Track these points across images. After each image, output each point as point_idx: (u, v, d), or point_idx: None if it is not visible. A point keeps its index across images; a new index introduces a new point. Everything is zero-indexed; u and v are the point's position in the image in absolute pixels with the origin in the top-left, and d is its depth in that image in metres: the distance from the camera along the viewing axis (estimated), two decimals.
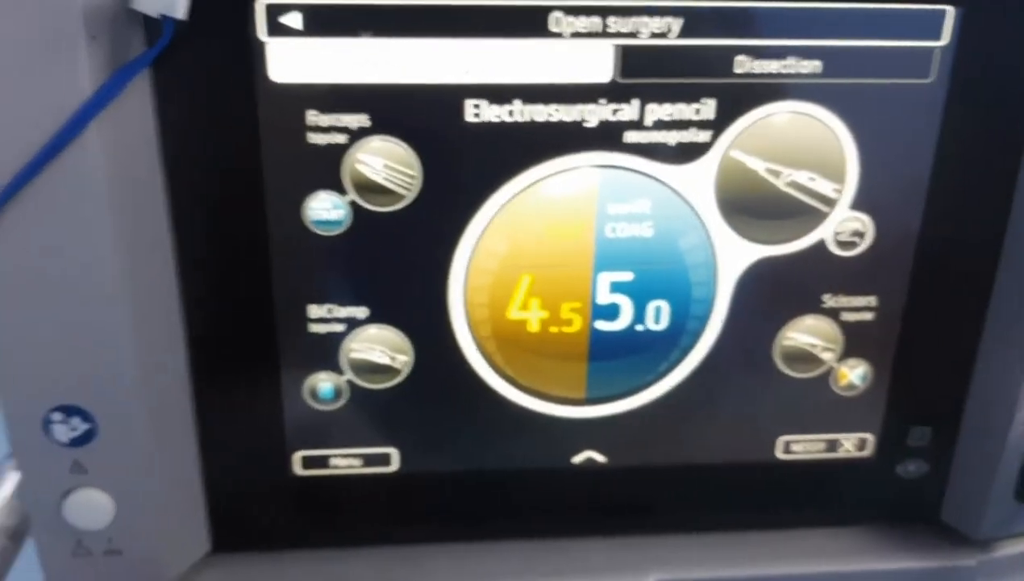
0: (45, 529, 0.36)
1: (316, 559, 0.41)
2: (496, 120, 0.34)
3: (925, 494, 0.43)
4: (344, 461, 0.40)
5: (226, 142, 0.33)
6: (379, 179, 0.34)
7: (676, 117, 0.35)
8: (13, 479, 0.42)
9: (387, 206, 0.35)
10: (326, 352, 0.37)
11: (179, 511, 0.38)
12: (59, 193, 0.30)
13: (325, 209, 0.35)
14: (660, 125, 0.35)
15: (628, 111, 0.35)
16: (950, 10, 0.34)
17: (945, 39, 0.35)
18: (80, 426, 0.34)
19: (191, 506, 0.39)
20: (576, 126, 0.35)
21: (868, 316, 0.39)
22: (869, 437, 0.42)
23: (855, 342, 0.40)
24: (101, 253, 0.31)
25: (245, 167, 0.34)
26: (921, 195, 0.37)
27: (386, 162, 0.34)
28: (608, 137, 0.35)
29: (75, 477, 0.35)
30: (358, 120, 0.33)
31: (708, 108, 0.35)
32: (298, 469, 0.39)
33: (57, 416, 0.34)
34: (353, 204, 0.35)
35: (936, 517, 0.43)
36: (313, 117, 0.33)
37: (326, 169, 0.34)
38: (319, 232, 0.35)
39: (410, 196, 0.35)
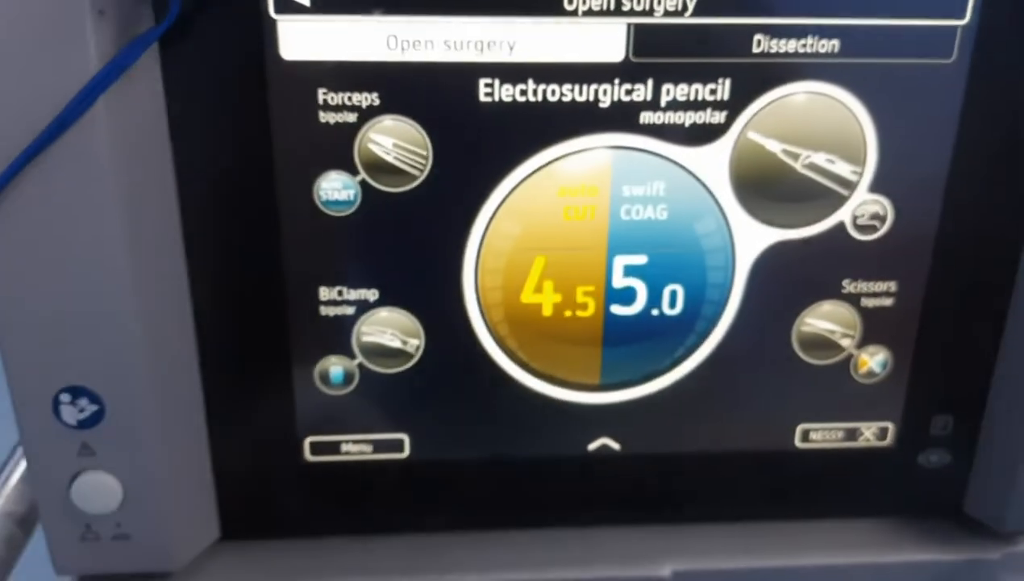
0: (53, 513, 0.36)
1: (327, 547, 0.41)
2: (509, 100, 0.34)
3: (947, 485, 0.42)
4: (355, 447, 0.39)
5: (236, 120, 0.33)
6: (390, 159, 0.34)
7: (691, 98, 0.34)
8: (22, 467, 0.42)
9: (398, 186, 0.35)
10: (337, 335, 0.37)
11: (188, 496, 0.38)
12: (65, 171, 0.30)
13: (336, 189, 0.34)
14: (675, 106, 0.34)
15: (642, 91, 0.34)
16: None
17: (968, 18, 0.34)
18: (88, 407, 0.34)
19: (200, 492, 0.38)
20: (590, 106, 0.34)
21: (888, 302, 0.38)
22: (890, 426, 0.41)
23: (875, 328, 0.39)
24: (108, 232, 0.31)
25: (255, 146, 0.33)
26: (942, 178, 0.37)
27: (396, 141, 0.34)
28: (622, 118, 0.34)
29: (83, 460, 0.35)
30: (368, 98, 0.33)
31: (724, 88, 0.34)
32: (309, 455, 0.39)
33: (65, 397, 0.33)
34: (364, 184, 0.34)
35: (959, 509, 0.43)
36: (324, 95, 0.33)
37: (337, 148, 0.34)
38: (330, 212, 0.35)
39: (421, 176, 0.34)
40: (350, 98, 0.33)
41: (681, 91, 0.34)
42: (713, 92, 0.34)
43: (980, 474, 0.42)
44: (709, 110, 0.35)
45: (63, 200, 0.31)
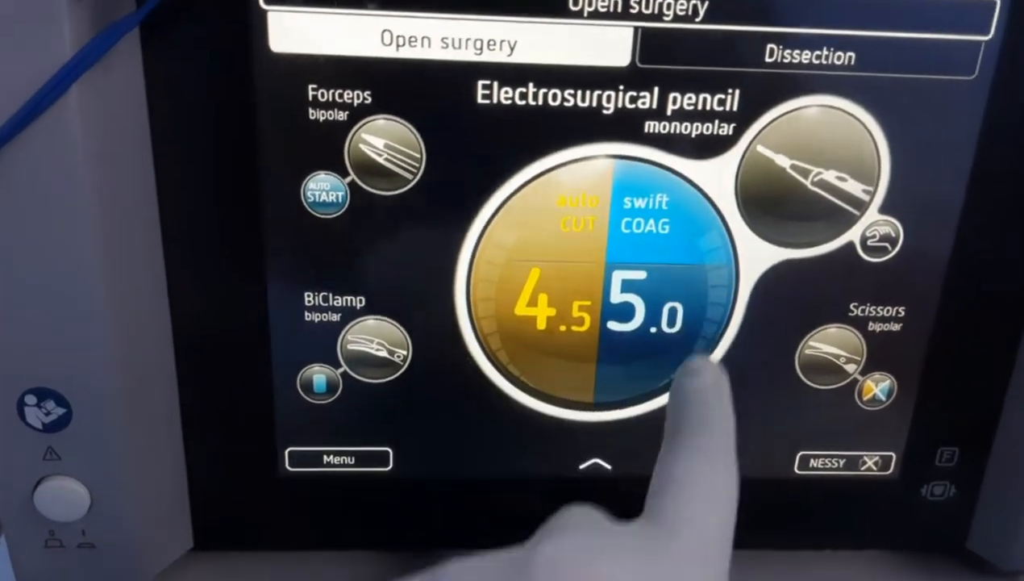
0: (16, 519, 0.34)
1: (304, 561, 0.39)
2: (507, 103, 0.32)
3: (951, 519, 0.40)
4: (337, 459, 0.38)
5: (220, 115, 0.31)
6: (381, 160, 0.32)
7: (699, 108, 0.33)
8: None
9: (389, 190, 0.33)
10: (321, 343, 0.36)
11: (159, 505, 0.36)
12: (34, 162, 0.28)
13: (324, 190, 0.33)
14: (681, 116, 0.33)
15: (647, 99, 0.33)
16: (999, 1, 0.32)
17: (992, 34, 0.32)
18: (55, 410, 0.32)
19: (173, 500, 0.37)
20: (592, 113, 0.33)
21: (895, 327, 0.37)
22: (893, 456, 0.39)
23: (881, 354, 0.37)
24: (80, 228, 0.30)
25: (240, 143, 0.32)
26: (958, 200, 0.35)
27: (388, 142, 0.32)
28: (626, 126, 0.33)
29: (48, 464, 0.33)
30: (360, 96, 0.31)
31: (733, 99, 0.33)
32: (288, 466, 0.37)
33: (31, 399, 0.32)
34: (353, 186, 0.33)
35: (962, 544, 0.41)
36: (314, 92, 0.31)
37: (326, 148, 0.32)
38: (317, 214, 0.33)
39: (414, 180, 0.33)
40: (341, 95, 0.31)
41: (688, 100, 0.33)
42: (722, 103, 0.33)
43: (985, 509, 0.40)
44: (717, 121, 0.33)
45: (32, 192, 0.29)
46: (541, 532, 0.25)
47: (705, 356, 0.34)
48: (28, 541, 0.35)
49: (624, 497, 0.38)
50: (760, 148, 0.34)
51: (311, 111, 0.32)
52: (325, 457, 0.38)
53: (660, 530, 0.24)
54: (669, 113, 0.33)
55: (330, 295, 0.35)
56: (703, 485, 0.26)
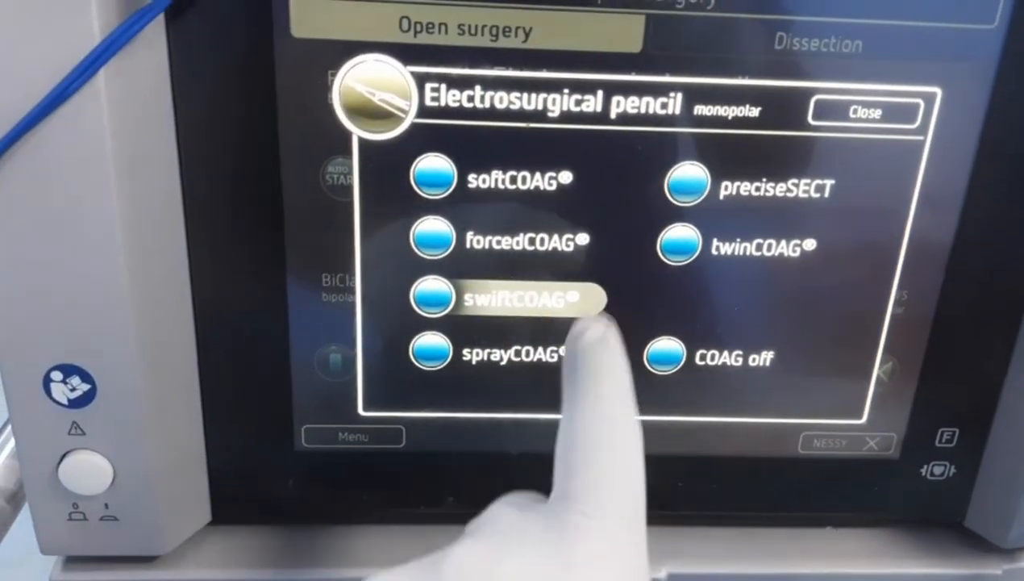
0: (40, 492, 0.35)
1: (319, 535, 0.40)
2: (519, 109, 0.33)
3: (950, 498, 0.41)
4: (352, 436, 0.39)
5: (242, 99, 0.32)
6: None
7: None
8: (12, 443, 0.41)
9: None
10: (338, 323, 0.36)
11: (179, 480, 0.37)
12: (63, 143, 0.29)
13: (344, 173, 0.34)
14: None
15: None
16: None
17: (997, 22, 0.33)
18: (80, 386, 0.33)
19: (192, 475, 0.38)
20: None
21: (899, 310, 0.38)
22: (894, 436, 0.40)
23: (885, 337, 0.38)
24: (105, 208, 0.30)
25: (261, 126, 0.32)
26: (961, 185, 0.36)
27: None
28: None
29: (73, 439, 0.34)
30: None
31: None
32: (304, 442, 0.38)
33: (56, 375, 0.33)
34: None
35: (960, 523, 0.42)
36: (333, 76, 0.32)
37: (345, 132, 0.33)
38: (336, 198, 0.34)
39: None
40: None
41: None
42: None
43: (983, 488, 0.41)
44: None
45: (60, 173, 0.30)
46: (463, 535, 0.26)
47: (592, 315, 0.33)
48: (52, 514, 0.36)
49: None
50: None
51: (331, 95, 0.32)
52: (340, 434, 0.38)
53: (568, 502, 0.24)
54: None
55: (347, 277, 0.35)
56: (604, 449, 0.26)
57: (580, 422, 0.26)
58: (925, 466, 0.41)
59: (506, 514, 0.26)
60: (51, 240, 0.31)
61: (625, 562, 0.24)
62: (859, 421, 0.40)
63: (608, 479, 0.25)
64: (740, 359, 0.38)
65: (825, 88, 0.34)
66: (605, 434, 0.26)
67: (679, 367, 0.38)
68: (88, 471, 0.35)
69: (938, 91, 0.34)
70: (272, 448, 0.38)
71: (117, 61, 0.29)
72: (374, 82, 0.32)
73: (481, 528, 0.25)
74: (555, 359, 0.37)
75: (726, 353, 0.38)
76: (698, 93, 0.33)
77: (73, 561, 0.38)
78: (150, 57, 0.30)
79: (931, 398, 0.39)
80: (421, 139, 0.33)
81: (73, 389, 0.33)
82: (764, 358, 0.38)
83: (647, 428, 0.39)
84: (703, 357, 0.38)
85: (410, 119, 0.33)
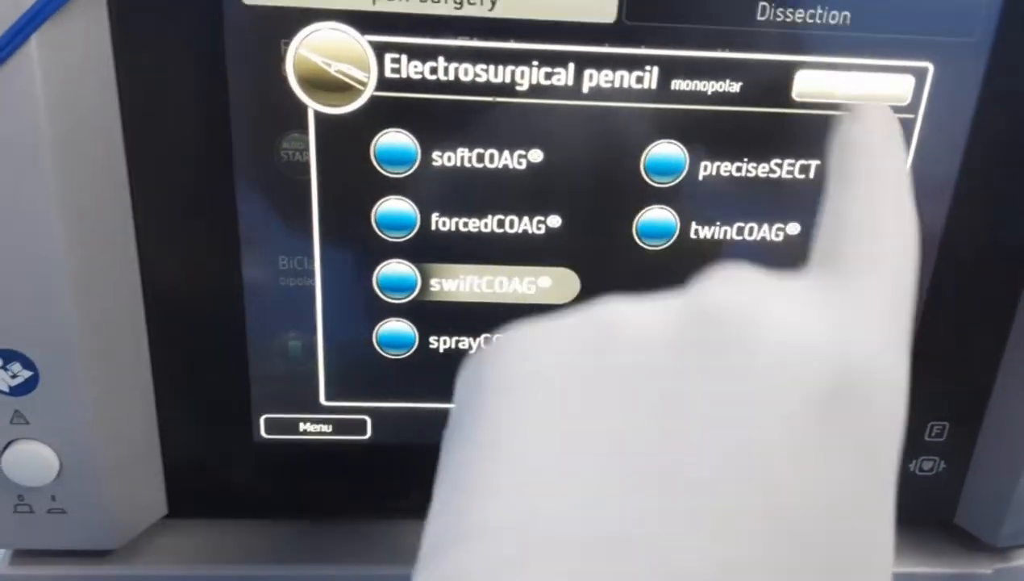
0: None
1: (279, 529, 0.39)
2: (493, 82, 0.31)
3: (939, 495, 0.40)
4: (313, 427, 0.37)
5: (190, 70, 0.30)
6: None
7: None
8: None
9: None
10: (297, 308, 0.35)
11: (132, 471, 0.35)
12: None
13: (300, 150, 0.32)
14: None
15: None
16: None
17: None
18: (21, 373, 0.31)
19: (146, 467, 0.36)
20: None
21: None
22: None
23: None
24: (41, 184, 0.29)
25: (210, 100, 0.31)
26: (952, 173, 0.34)
27: None
28: None
29: (16, 428, 0.32)
30: None
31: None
32: (264, 433, 0.37)
33: None
34: None
35: (950, 520, 0.40)
36: (287, 46, 0.30)
37: (300, 106, 0.31)
38: (293, 176, 0.32)
39: None
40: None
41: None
42: None
43: (974, 485, 0.39)
44: None
45: None
46: (696, 283, 0.21)
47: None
48: None
49: None
50: None
51: (284, 66, 0.31)
52: (301, 424, 0.37)
53: (842, 276, 0.21)
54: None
55: (305, 259, 0.34)
56: (883, 228, 0.22)
57: (856, 206, 0.22)
58: (914, 461, 0.39)
59: (752, 270, 0.22)
60: None
61: (903, 337, 0.21)
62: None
63: (887, 263, 0.21)
64: None
65: (810, 62, 0.32)
66: (886, 221, 0.22)
67: None
68: (32, 461, 0.33)
69: (930, 67, 0.32)
70: (230, 439, 0.37)
71: (50, 27, 0.27)
72: (330, 52, 0.30)
73: (726, 277, 0.21)
74: None
75: None
76: (676, 67, 0.31)
77: (22, 555, 0.37)
78: (88, 24, 0.28)
79: (920, 390, 0.37)
80: (381, 113, 0.31)
81: (14, 376, 0.31)
82: None
83: None
84: None
85: (369, 92, 0.31)
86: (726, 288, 0.20)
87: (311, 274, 0.34)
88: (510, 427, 0.19)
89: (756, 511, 0.17)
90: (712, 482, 0.17)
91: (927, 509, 0.40)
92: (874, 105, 0.26)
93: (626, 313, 0.20)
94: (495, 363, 0.20)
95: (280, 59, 0.30)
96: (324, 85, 0.31)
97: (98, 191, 0.30)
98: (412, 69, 0.31)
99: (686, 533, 0.16)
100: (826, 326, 0.19)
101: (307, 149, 0.32)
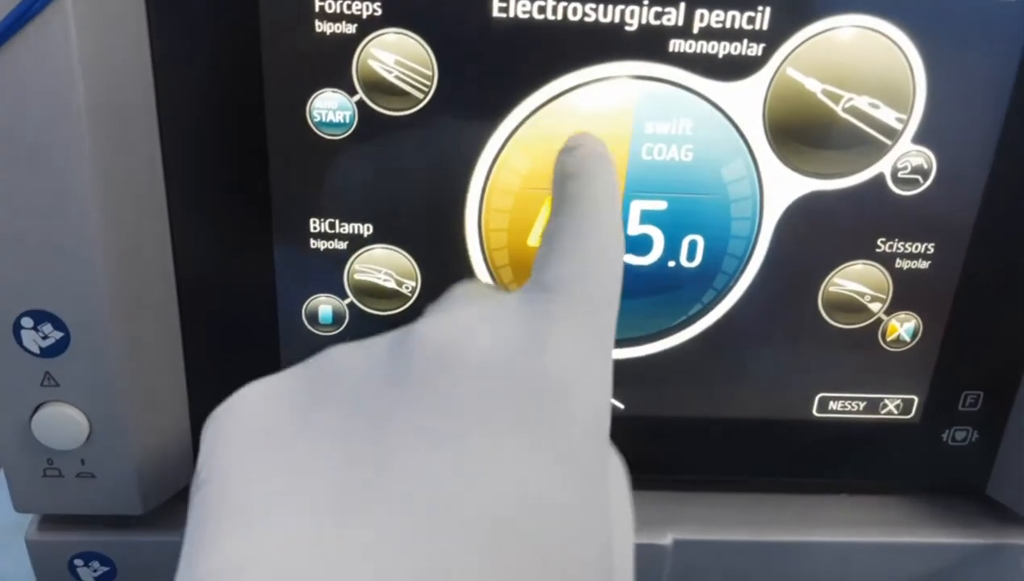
0: (13, 446, 0.33)
1: None
2: (524, 16, 0.30)
3: (972, 465, 0.39)
4: None
5: (223, 27, 0.30)
6: (391, 78, 0.31)
7: (727, 26, 0.31)
8: None
9: (399, 109, 0.31)
10: (327, 272, 0.34)
11: (160, 437, 0.35)
12: (26, 72, 0.27)
13: (331, 109, 0.31)
14: (708, 34, 0.31)
15: (673, 15, 0.31)
16: None
17: None
18: (52, 334, 0.31)
19: (174, 433, 0.36)
20: (614, 29, 0.31)
21: (924, 265, 0.36)
22: (915, 399, 0.38)
23: (907, 293, 0.36)
24: (72, 142, 0.28)
25: (243, 57, 0.30)
26: (995, 131, 0.33)
27: (399, 59, 0.31)
28: (649, 44, 0.31)
29: (46, 390, 0.32)
30: (370, 8, 0.30)
31: (763, 17, 0.31)
32: None
33: (27, 322, 0.31)
34: (361, 105, 0.31)
35: (982, 491, 0.40)
36: (320, 2, 0.30)
37: (333, 64, 0.31)
38: (323, 135, 0.32)
39: (425, 99, 0.31)
40: (349, 6, 0.30)
41: (716, 18, 0.31)
42: (751, 21, 0.31)
43: (1007, 455, 0.39)
44: (746, 41, 0.31)
45: (24, 103, 0.27)
46: (427, 310, 0.24)
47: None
48: (26, 469, 0.34)
49: (638, 435, 0.38)
50: (790, 71, 0.32)
51: (317, 23, 0.30)
52: None
53: (543, 293, 0.23)
54: (695, 31, 0.31)
55: (336, 222, 0.33)
56: (588, 249, 0.24)
57: (565, 232, 0.24)
58: (947, 431, 0.39)
59: (472, 295, 0.25)
60: (19, 177, 0.29)
61: (601, 343, 0.23)
62: (878, 383, 0.38)
63: (588, 268, 0.23)
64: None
65: None
66: (591, 242, 0.24)
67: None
68: (62, 424, 0.33)
69: (975, 28, 0.31)
70: None
71: None
72: None
73: (445, 307, 0.24)
74: None
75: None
76: None
77: (49, 520, 0.37)
78: None
79: (955, 360, 0.37)
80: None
81: (45, 337, 0.31)
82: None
83: (654, 387, 0.37)
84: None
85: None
86: (436, 319, 0.22)
87: (342, 237, 0.33)
88: (239, 478, 0.20)
89: (469, 516, 0.18)
90: (425, 495, 0.18)
91: (959, 479, 0.40)
92: (584, 135, 0.28)
93: (342, 357, 0.22)
94: (227, 419, 0.22)
95: (314, 14, 0.30)
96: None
97: (130, 149, 0.30)
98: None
99: (402, 540, 0.17)
100: (523, 343, 0.21)
101: (340, 109, 0.31)
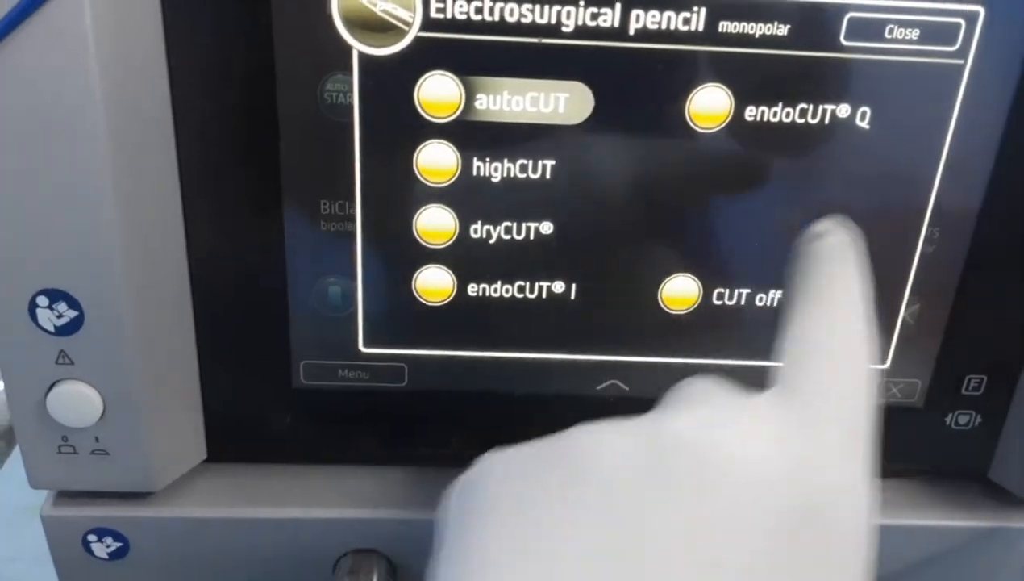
0: (28, 423, 0.34)
1: (316, 474, 0.39)
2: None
3: (974, 449, 0.40)
4: (352, 374, 0.37)
5: (236, 9, 0.30)
6: None
7: None
8: None
9: None
10: (338, 253, 0.35)
11: (173, 414, 0.36)
12: (42, 53, 0.27)
13: (343, 92, 0.32)
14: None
15: None
16: None
17: None
18: (67, 313, 0.31)
19: (187, 410, 0.36)
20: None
21: (928, 247, 0.36)
22: (918, 383, 0.38)
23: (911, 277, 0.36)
24: (88, 123, 0.28)
25: (255, 39, 0.31)
26: (1004, 108, 0.33)
27: None
28: None
29: (61, 368, 0.33)
30: None
31: None
32: (303, 379, 0.37)
33: (42, 301, 0.31)
34: None
35: (983, 474, 0.40)
36: None
37: (346, 46, 0.31)
38: (334, 118, 0.32)
39: None
40: None
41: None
42: None
43: (1009, 439, 0.39)
44: None
45: (41, 83, 0.28)
46: (663, 406, 0.24)
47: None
48: (41, 446, 0.34)
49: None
50: None
51: (330, 5, 0.30)
52: (340, 371, 0.37)
53: (796, 401, 0.22)
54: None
55: (347, 204, 0.34)
56: (838, 352, 0.24)
57: (814, 327, 0.24)
58: (950, 415, 0.39)
59: (718, 390, 0.24)
60: (34, 155, 0.29)
61: (864, 461, 0.23)
62: (882, 366, 0.38)
63: (842, 389, 0.23)
64: (757, 298, 0.36)
65: (860, 5, 0.31)
66: (841, 344, 0.24)
67: (695, 306, 0.36)
68: (77, 402, 0.33)
69: (980, 10, 0.32)
70: (270, 384, 0.37)
71: None
72: None
73: (692, 400, 0.24)
74: (561, 292, 0.36)
75: (740, 291, 0.36)
76: (723, 8, 0.31)
77: (64, 496, 0.37)
78: None
79: (959, 343, 0.38)
80: (425, 55, 0.31)
81: (60, 315, 0.32)
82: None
83: (654, 368, 0.38)
84: (719, 296, 0.36)
85: (413, 32, 0.31)
86: (688, 416, 0.22)
87: (352, 218, 0.34)
88: (496, 549, 0.20)
89: None
90: None
91: (961, 463, 0.40)
92: (832, 223, 0.27)
93: (594, 443, 0.22)
94: (477, 489, 0.22)
95: None
96: (369, 25, 0.30)
97: (144, 128, 0.30)
98: (457, 9, 0.30)
99: None
100: (786, 458, 0.21)
101: (350, 91, 0.32)
